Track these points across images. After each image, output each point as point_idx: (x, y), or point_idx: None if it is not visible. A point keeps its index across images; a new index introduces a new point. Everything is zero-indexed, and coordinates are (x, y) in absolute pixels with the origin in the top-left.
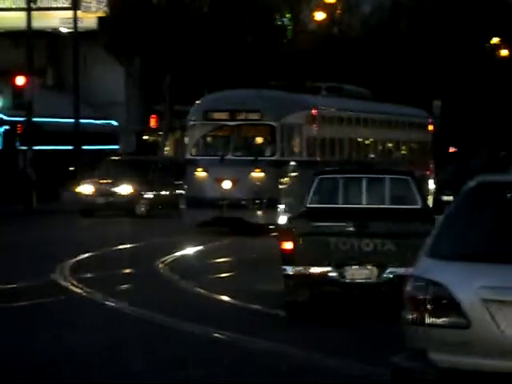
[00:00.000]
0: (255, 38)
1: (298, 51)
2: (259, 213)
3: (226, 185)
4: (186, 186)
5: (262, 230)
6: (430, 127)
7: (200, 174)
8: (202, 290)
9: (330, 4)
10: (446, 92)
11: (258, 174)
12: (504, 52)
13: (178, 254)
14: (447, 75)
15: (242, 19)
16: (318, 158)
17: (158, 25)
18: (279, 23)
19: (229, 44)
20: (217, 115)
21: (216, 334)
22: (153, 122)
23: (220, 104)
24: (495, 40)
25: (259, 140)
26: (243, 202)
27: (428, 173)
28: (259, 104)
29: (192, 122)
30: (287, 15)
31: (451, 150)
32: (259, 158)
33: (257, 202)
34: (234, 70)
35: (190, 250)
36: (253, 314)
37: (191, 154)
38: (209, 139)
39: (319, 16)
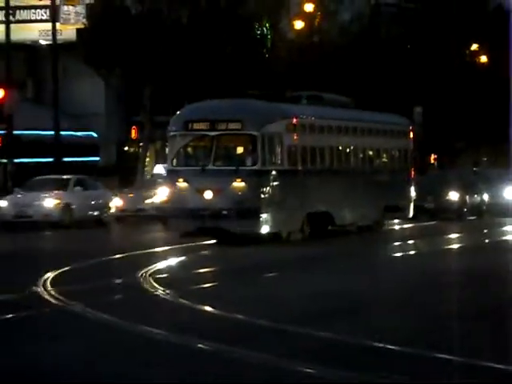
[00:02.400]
0: (234, 48)
1: (278, 60)
2: (241, 222)
3: (208, 195)
4: (168, 197)
5: (244, 240)
6: (411, 134)
7: (181, 184)
8: (185, 301)
9: (309, 13)
10: (426, 99)
11: (239, 184)
12: (483, 58)
13: (160, 264)
14: (428, 82)
15: (221, 29)
16: (300, 167)
17: (138, 36)
18: (258, 33)
19: (208, 54)
20: (197, 125)
21: (200, 345)
22: (133, 133)
23: (200, 114)
24: (474, 46)
25: (240, 150)
26: (225, 212)
27: (410, 180)
28: (240, 114)
29: (172, 133)
30: (266, 25)
31: (433, 156)
32: (240, 168)
33: (239, 211)
34: (214, 80)
35: (172, 261)
36: (236, 325)
37: (172, 165)
38: (189, 150)
39: (298, 25)
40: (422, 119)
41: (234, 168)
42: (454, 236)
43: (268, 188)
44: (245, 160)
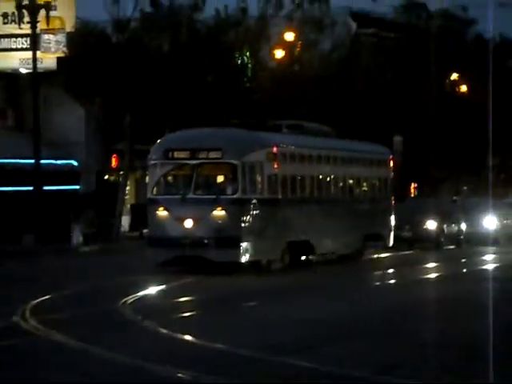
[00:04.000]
0: (215, 77)
1: (259, 89)
2: (221, 251)
3: (188, 223)
4: (148, 225)
5: (224, 268)
6: (391, 163)
7: (161, 213)
8: (164, 330)
9: (290, 42)
10: (406, 128)
11: (219, 213)
12: (463, 88)
13: (140, 293)
14: (408, 111)
15: (202, 58)
16: (280, 196)
17: (118, 64)
18: (239, 62)
19: (189, 83)
20: (178, 154)
21: (180, 375)
22: (113, 162)
23: (181, 143)
24: (454, 76)
25: (220, 178)
26: (205, 241)
27: (390, 209)
28: (220, 142)
29: (153, 162)
30: (247, 53)
31: (413, 185)
32: (221, 197)
33: (219, 240)
34: (194, 108)
35: (152, 290)
36: (217, 354)
37: (152, 193)
38: (170, 178)
39: (279, 54)
40: (402, 148)
41: (214, 197)
42: (431, 265)
43: (248, 217)
44: (225, 189)
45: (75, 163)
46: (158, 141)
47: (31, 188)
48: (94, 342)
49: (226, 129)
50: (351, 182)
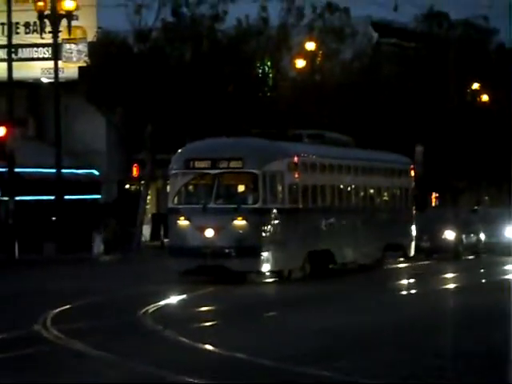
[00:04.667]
0: (236, 87)
1: (280, 99)
2: (242, 260)
3: (209, 233)
4: (169, 235)
5: (245, 278)
6: (412, 173)
7: (183, 222)
8: (185, 340)
9: (311, 51)
10: (428, 137)
11: (240, 222)
12: (484, 97)
13: (161, 303)
14: (429, 121)
15: (223, 68)
16: (301, 206)
17: (139, 74)
18: (260, 71)
19: (210, 93)
20: (199, 164)
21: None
22: (134, 171)
23: (202, 152)
24: (476, 86)
25: (241, 188)
26: (226, 250)
27: (411, 219)
28: (241, 152)
29: (174, 171)
30: (268, 63)
31: (434, 195)
32: (242, 206)
33: (240, 249)
34: (215, 118)
35: (173, 299)
36: (237, 363)
37: (174, 203)
38: (191, 188)
39: (300, 63)
40: (423, 158)
41: (235, 206)
42: (449, 275)
43: (269, 226)
44: (246, 198)
45: (96, 173)
46: (179, 150)
47: (52, 197)
48: (114, 351)
49: (246, 138)
50: (372, 191)
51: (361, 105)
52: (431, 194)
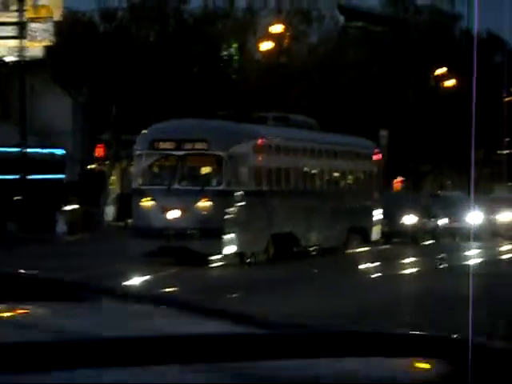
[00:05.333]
0: (202, 68)
1: (245, 81)
2: (206, 242)
3: (173, 214)
4: (133, 216)
5: (208, 260)
6: (376, 157)
7: (147, 203)
8: None
9: (277, 34)
10: (392, 122)
11: (204, 204)
12: (449, 82)
13: (124, 283)
14: (394, 105)
15: (189, 49)
16: (265, 188)
17: (105, 54)
18: (226, 53)
19: (176, 74)
20: (163, 145)
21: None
22: (99, 152)
23: (167, 134)
24: (440, 71)
25: (206, 170)
26: (190, 232)
27: (374, 202)
28: (206, 134)
29: (139, 152)
30: (233, 45)
31: (398, 179)
32: (206, 188)
33: (203, 231)
34: (181, 99)
35: (136, 280)
36: None
37: (138, 184)
38: (155, 169)
39: (266, 46)
40: (388, 142)
41: (199, 188)
42: (409, 260)
43: (233, 208)
44: (210, 180)
45: (61, 152)
46: (144, 131)
47: (16, 176)
48: None
49: (212, 120)
50: (336, 175)
51: (326, 88)
52: (395, 178)
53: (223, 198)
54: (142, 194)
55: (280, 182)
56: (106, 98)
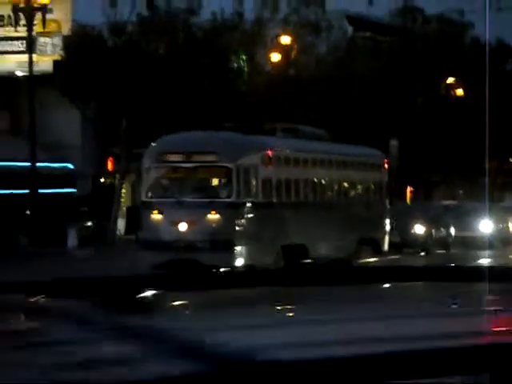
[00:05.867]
0: (211, 81)
1: (255, 92)
2: (215, 255)
3: (182, 227)
4: (142, 229)
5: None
6: (386, 167)
7: (155, 216)
8: None
9: (286, 45)
10: (402, 132)
11: (213, 216)
12: (459, 91)
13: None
14: (404, 115)
15: (198, 62)
16: (274, 200)
17: (114, 68)
18: (235, 65)
19: (185, 87)
20: (172, 157)
21: None
22: (109, 165)
23: (175, 146)
24: (450, 80)
25: (215, 182)
26: (199, 244)
27: (384, 213)
28: (214, 146)
29: (147, 165)
30: (242, 57)
31: (409, 189)
32: (215, 200)
33: (213, 243)
34: (191, 112)
35: (148, 293)
36: None
37: (146, 197)
38: (164, 181)
39: (275, 57)
40: (398, 152)
41: (208, 200)
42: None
43: (243, 220)
44: (219, 192)
45: (71, 166)
46: (152, 144)
47: (27, 191)
48: None
49: (220, 132)
50: (346, 185)
51: (335, 99)
52: (406, 188)
53: (233, 210)
54: (151, 206)
55: (289, 194)
56: (115, 112)
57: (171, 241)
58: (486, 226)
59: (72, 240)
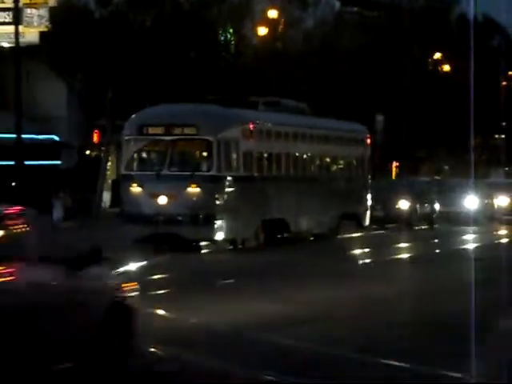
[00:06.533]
0: (198, 53)
1: (241, 66)
2: (196, 228)
3: (162, 200)
4: (122, 202)
5: (198, 246)
6: (368, 141)
7: (135, 189)
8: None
9: (273, 19)
10: (388, 107)
11: (194, 190)
12: (446, 67)
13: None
14: (390, 90)
15: (185, 34)
16: (256, 174)
17: (101, 40)
18: (222, 38)
19: (172, 59)
20: (152, 130)
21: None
22: (95, 137)
23: (155, 118)
24: (437, 55)
25: (195, 155)
26: (179, 218)
27: (366, 188)
28: (195, 118)
29: (127, 137)
30: (230, 30)
31: (394, 164)
32: (195, 173)
33: (193, 217)
34: (177, 84)
35: (131, 266)
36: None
37: (126, 169)
38: (144, 154)
39: (262, 31)
40: (384, 127)
41: (188, 173)
42: (403, 246)
43: (223, 194)
44: (200, 165)
45: (57, 138)
46: (133, 116)
47: (12, 163)
48: None
49: (201, 105)
50: (327, 160)
51: (322, 73)
52: (392, 163)
53: (213, 184)
54: (131, 179)
55: (271, 168)
56: (101, 83)
57: (151, 214)
58: (471, 202)
59: (57, 212)
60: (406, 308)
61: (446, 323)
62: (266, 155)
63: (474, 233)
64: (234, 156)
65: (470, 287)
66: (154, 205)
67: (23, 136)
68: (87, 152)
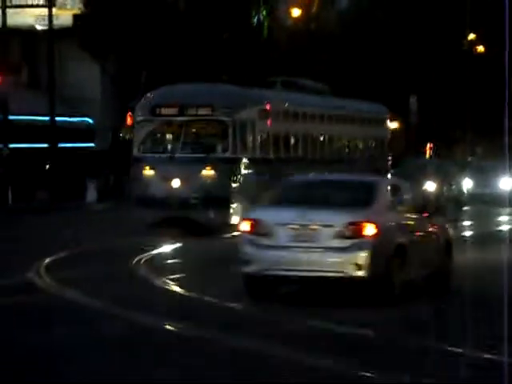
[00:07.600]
0: (231, 35)
1: (275, 47)
2: (210, 212)
3: (175, 183)
4: (134, 185)
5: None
6: (389, 122)
7: (148, 172)
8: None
9: (307, 0)
10: (422, 88)
11: (208, 172)
12: (480, 48)
13: (153, 252)
14: (424, 71)
15: (219, 15)
16: (272, 155)
17: (134, 22)
18: (255, 19)
19: (205, 40)
20: (165, 110)
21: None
22: (128, 120)
23: (169, 99)
24: (472, 36)
25: (210, 136)
26: (193, 201)
27: (386, 169)
28: (210, 98)
29: (140, 118)
30: (263, 12)
31: (429, 145)
32: (210, 156)
33: (207, 200)
34: (210, 65)
35: (164, 248)
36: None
37: (139, 151)
38: (157, 136)
39: (295, 12)
40: (418, 108)
41: (203, 155)
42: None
43: (239, 177)
44: (215, 147)
45: (90, 120)
46: (146, 96)
47: (46, 145)
48: (107, 300)
49: (216, 84)
50: (346, 140)
51: (356, 54)
52: (426, 145)
53: (228, 166)
54: (143, 162)
55: (288, 149)
56: (135, 65)
57: (164, 198)
58: (505, 184)
59: (91, 194)
60: None
61: None
62: (283, 136)
63: (508, 214)
64: (250, 137)
65: None
66: (166, 188)
67: (57, 119)
68: (121, 134)
